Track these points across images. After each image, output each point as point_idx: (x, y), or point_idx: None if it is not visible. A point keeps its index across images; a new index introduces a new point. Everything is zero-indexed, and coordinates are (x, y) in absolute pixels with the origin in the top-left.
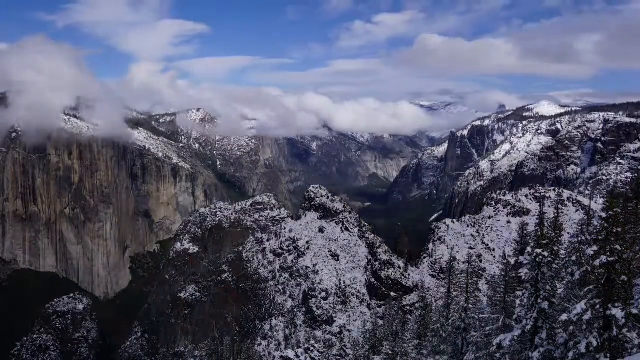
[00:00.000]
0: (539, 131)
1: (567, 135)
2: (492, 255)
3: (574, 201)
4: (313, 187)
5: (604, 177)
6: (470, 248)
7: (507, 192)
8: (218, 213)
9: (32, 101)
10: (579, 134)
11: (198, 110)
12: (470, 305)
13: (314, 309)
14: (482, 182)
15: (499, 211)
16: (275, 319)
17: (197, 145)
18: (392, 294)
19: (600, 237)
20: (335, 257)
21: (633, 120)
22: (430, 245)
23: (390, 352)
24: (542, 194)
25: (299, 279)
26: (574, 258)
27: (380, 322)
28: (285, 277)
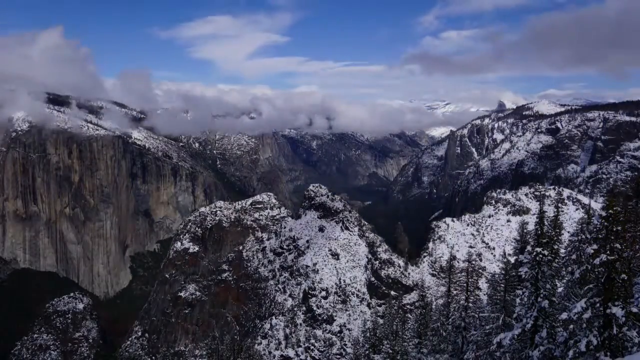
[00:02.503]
0: (539, 130)
1: (567, 134)
2: (492, 253)
3: (574, 200)
4: (313, 186)
5: (604, 176)
6: (470, 247)
7: (507, 191)
8: (218, 212)
9: (32, 101)
10: (579, 133)
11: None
12: (470, 304)
13: (314, 308)
14: (482, 181)
15: (498, 210)
16: (276, 318)
17: (196, 145)
18: (392, 292)
19: (600, 236)
20: (336, 256)
21: (633, 118)
22: (430, 244)
23: (390, 351)
24: (542, 192)
25: (299, 278)
26: (574, 257)
27: (381, 320)
28: (285, 276)
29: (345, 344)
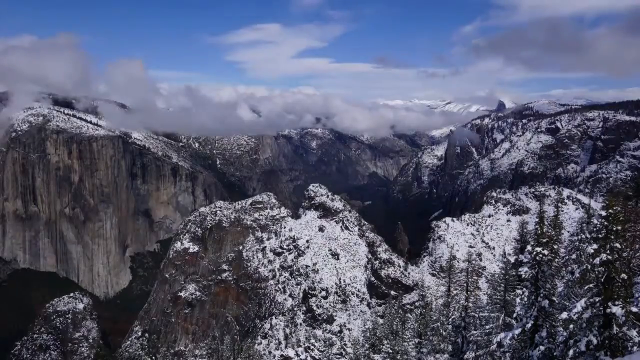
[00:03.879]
0: (539, 129)
1: (566, 134)
2: (492, 253)
3: (574, 199)
4: (313, 186)
5: (604, 176)
6: (470, 246)
7: (507, 191)
8: (218, 212)
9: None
10: (578, 132)
11: None
12: (470, 304)
13: (314, 308)
14: (481, 181)
15: (498, 210)
16: (276, 318)
17: (196, 145)
18: (392, 292)
19: (600, 236)
20: (335, 255)
21: (633, 118)
22: (430, 244)
23: (390, 351)
24: (541, 192)
25: (299, 278)
26: (573, 256)
27: (380, 320)
28: (285, 276)
29: (345, 344)
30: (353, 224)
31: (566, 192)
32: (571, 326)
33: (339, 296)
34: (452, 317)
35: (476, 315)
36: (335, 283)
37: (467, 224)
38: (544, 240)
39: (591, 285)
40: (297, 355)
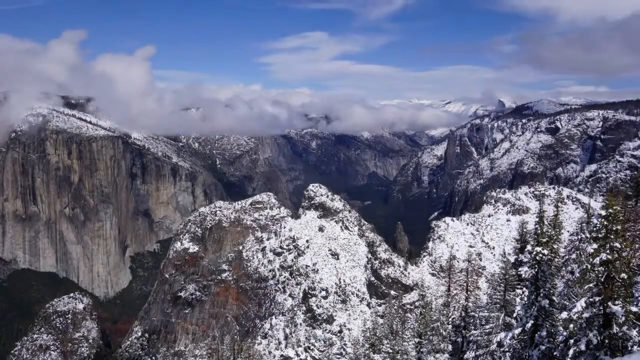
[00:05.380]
0: (539, 129)
1: (566, 133)
2: (491, 253)
3: (574, 199)
4: (313, 186)
5: (604, 175)
6: (470, 246)
7: (507, 190)
8: (218, 212)
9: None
10: (578, 132)
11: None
12: (470, 304)
13: (314, 308)
14: (481, 181)
15: (498, 209)
16: (276, 318)
17: (196, 145)
18: (392, 292)
19: (599, 235)
20: (335, 255)
21: (632, 118)
22: (430, 244)
23: (390, 351)
24: (541, 192)
25: (299, 278)
26: (573, 256)
27: (380, 320)
28: (285, 276)
29: (345, 344)
30: (353, 223)
31: (566, 191)
32: (571, 326)
33: (339, 296)
34: (452, 317)
35: (476, 315)
36: (335, 283)
37: (467, 224)
38: (544, 240)
39: (591, 285)
40: (297, 355)
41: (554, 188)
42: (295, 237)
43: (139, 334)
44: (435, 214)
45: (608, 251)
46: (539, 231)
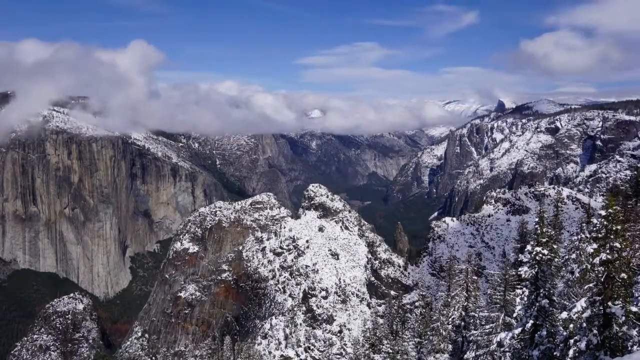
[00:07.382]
0: (539, 129)
1: (566, 133)
2: (491, 253)
3: (574, 199)
4: (313, 186)
5: (604, 175)
6: (470, 246)
7: (507, 190)
8: (218, 212)
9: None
10: (578, 132)
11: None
12: (470, 304)
13: (314, 308)
14: (481, 181)
15: (498, 209)
16: (276, 318)
17: (196, 145)
18: (392, 292)
19: (599, 235)
20: (335, 255)
21: (632, 117)
22: (430, 244)
23: (390, 351)
24: (541, 192)
25: (298, 278)
26: (573, 256)
27: (381, 320)
28: (285, 276)
29: (345, 344)
30: (353, 224)
31: (566, 191)
32: (571, 326)
33: (339, 296)
34: (452, 317)
35: (476, 315)
36: (335, 283)
37: (467, 224)
38: (544, 240)
39: (591, 285)
40: (297, 355)
41: (554, 188)
42: (295, 237)
43: (139, 334)
44: (435, 214)
45: (608, 251)
46: (539, 231)
